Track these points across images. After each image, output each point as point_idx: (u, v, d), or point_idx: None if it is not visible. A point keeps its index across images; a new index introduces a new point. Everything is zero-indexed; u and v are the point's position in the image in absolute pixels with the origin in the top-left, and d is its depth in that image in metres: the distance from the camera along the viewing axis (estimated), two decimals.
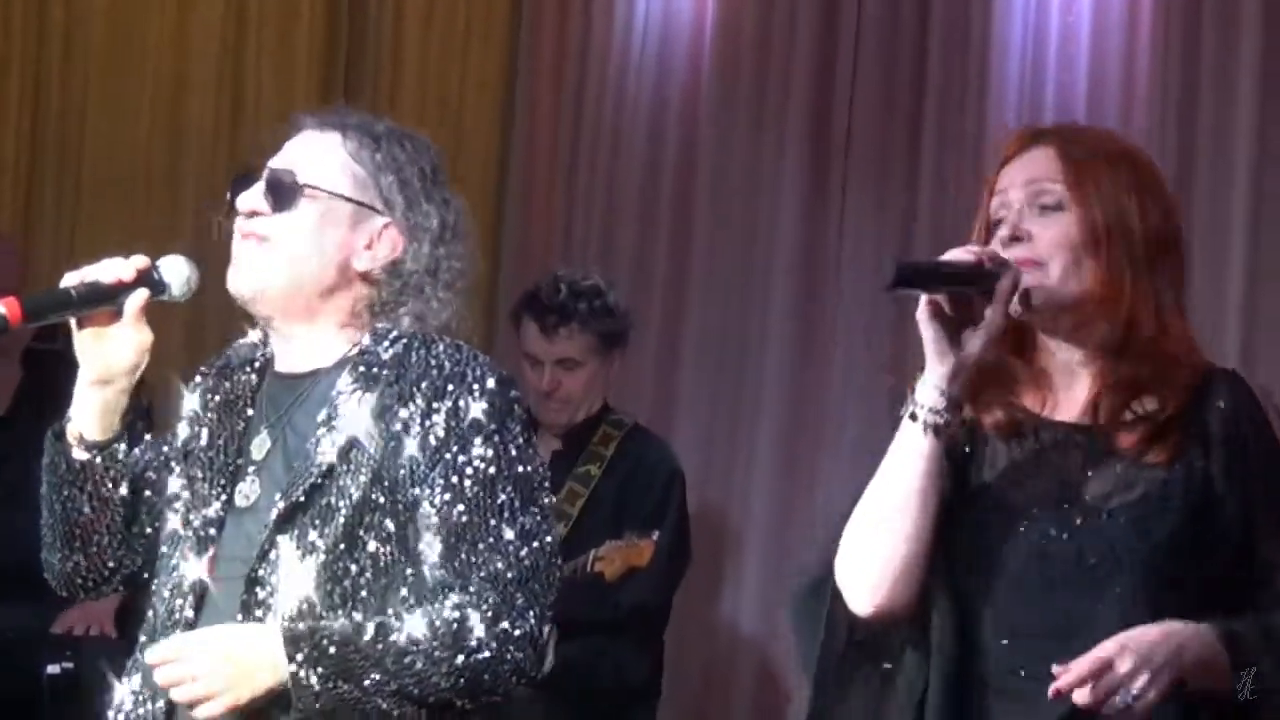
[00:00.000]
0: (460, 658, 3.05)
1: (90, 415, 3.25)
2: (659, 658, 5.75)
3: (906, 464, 2.97)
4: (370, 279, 3.25)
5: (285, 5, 7.41)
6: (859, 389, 7.03)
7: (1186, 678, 2.79)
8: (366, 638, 3.06)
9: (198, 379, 3.39)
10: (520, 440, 3.21)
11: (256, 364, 3.35)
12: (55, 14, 6.93)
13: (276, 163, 3.24)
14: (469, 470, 3.13)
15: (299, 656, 3.00)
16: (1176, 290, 3.04)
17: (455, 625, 3.06)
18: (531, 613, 3.12)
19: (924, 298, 2.91)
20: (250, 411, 3.31)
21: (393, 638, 3.07)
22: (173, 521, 3.29)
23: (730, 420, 7.29)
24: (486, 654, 3.08)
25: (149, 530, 3.36)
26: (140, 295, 3.16)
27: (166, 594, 3.27)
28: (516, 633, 3.08)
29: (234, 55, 7.24)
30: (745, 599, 7.25)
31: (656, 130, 7.63)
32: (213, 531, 3.23)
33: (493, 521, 3.13)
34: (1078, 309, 3.00)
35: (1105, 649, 2.75)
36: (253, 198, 3.20)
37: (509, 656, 3.09)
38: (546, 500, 3.24)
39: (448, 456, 3.14)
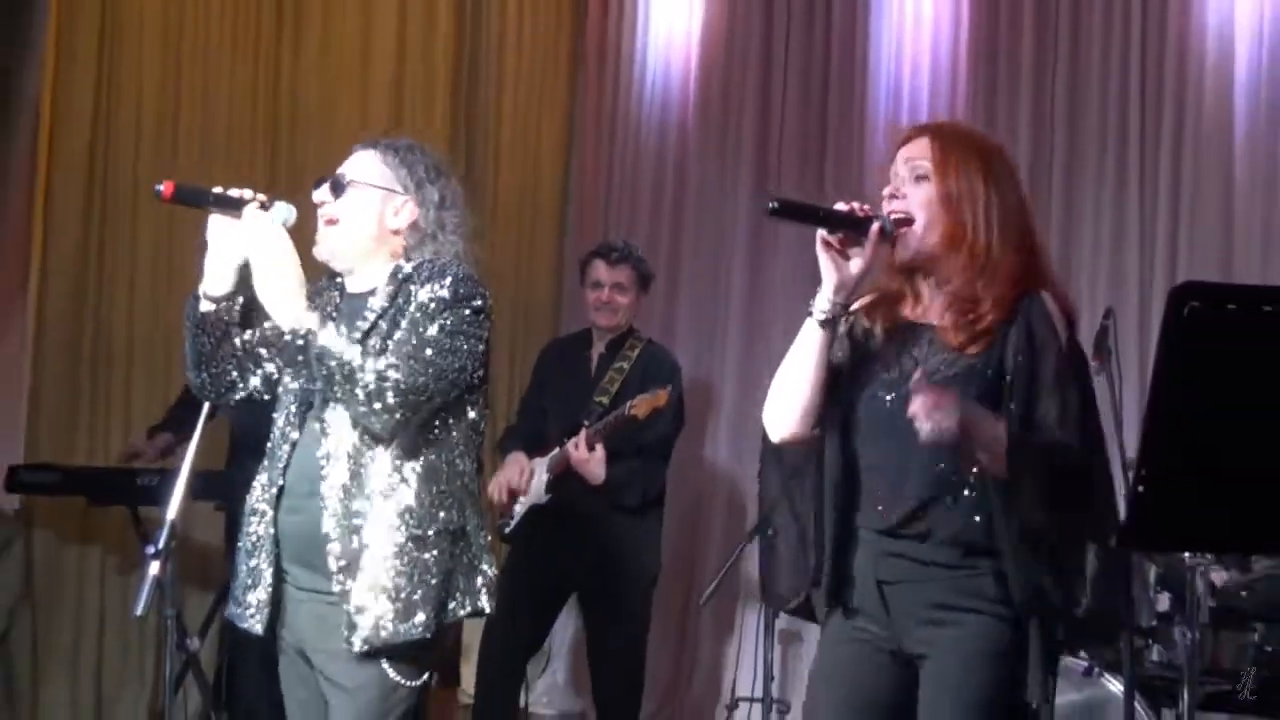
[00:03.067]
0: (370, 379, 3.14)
1: (210, 278, 3.33)
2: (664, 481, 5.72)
3: (803, 346, 3.00)
4: (400, 234, 3.40)
5: (426, 91, 7.37)
6: (789, 310, 6.74)
7: (972, 434, 2.80)
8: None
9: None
10: (465, 310, 3.29)
11: (336, 288, 3.46)
12: (284, 88, 6.85)
13: (349, 171, 3.40)
14: (424, 306, 3.25)
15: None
16: (1008, 238, 2.99)
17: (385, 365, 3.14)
18: (416, 380, 3.17)
19: (819, 235, 2.93)
20: (335, 316, 3.38)
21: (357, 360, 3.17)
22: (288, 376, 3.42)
23: (710, 327, 7.35)
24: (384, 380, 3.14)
25: (273, 371, 3.44)
26: (253, 209, 3.25)
27: (281, 421, 3.42)
28: (399, 377, 3.14)
29: (394, 122, 6.97)
30: (720, 444, 7.32)
31: (660, 156, 7.66)
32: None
33: (408, 333, 3.23)
34: (935, 252, 2.98)
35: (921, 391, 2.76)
36: (321, 193, 3.38)
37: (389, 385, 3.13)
38: (460, 344, 3.27)
39: (415, 313, 3.26)
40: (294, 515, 3.34)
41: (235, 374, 3.43)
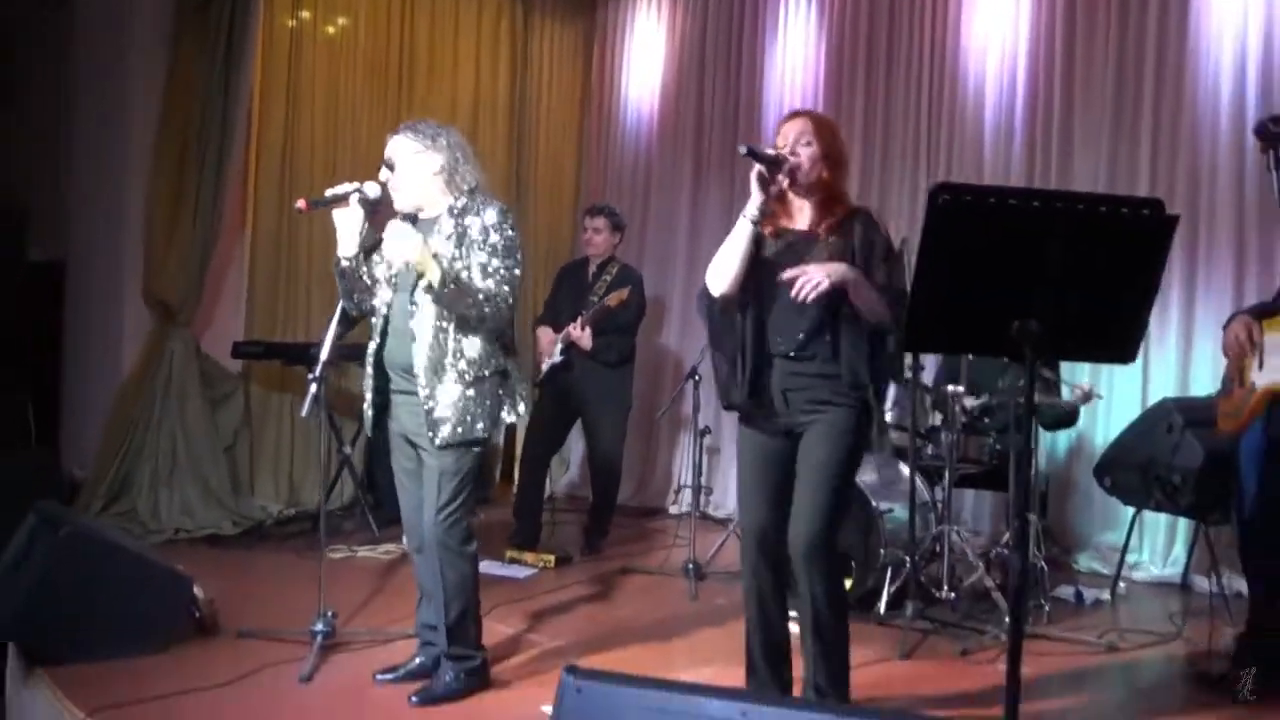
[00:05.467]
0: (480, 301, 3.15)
1: (342, 245, 3.28)
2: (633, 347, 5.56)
3: (738, 237, 3.01)
4: (439, 174, 3.25)
5: (493, 124, 7.22)
6: (714, 246, 6.74)
7: (845, 284, 2.90)
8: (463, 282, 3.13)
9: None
10: (504, 236, 3.22)
11: (413, 218, 3.29)
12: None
13: (390, 154, 3.27)
14: (485, 241, 3.19)
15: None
16: (846, 177, 3.13)
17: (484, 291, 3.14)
18: (504, 289, 3.18)
19: (755, 168, 2.96)
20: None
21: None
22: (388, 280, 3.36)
23: (665, 258, 7.13)
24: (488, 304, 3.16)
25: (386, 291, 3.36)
26: (355, 197, 3.23)
27: (389, 297, 3.33)
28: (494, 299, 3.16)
29: (473, 142, 6.82)
30: (672, 330, 7.16)
31: (635, 155, 7.43)
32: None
33: (486, 258, 3.19)
34: (811, 186, 3.04)
35: (808, 269, 2.88)
36: (384, 174, 3.28)
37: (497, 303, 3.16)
38: (510, 261, 3.22)
39: (477, 236, 3.20)
40: (397, 355, 3.30)
41: (367, 297, 3.37)
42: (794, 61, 6.79)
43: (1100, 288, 2.26)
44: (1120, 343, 2.33)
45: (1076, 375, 5.24)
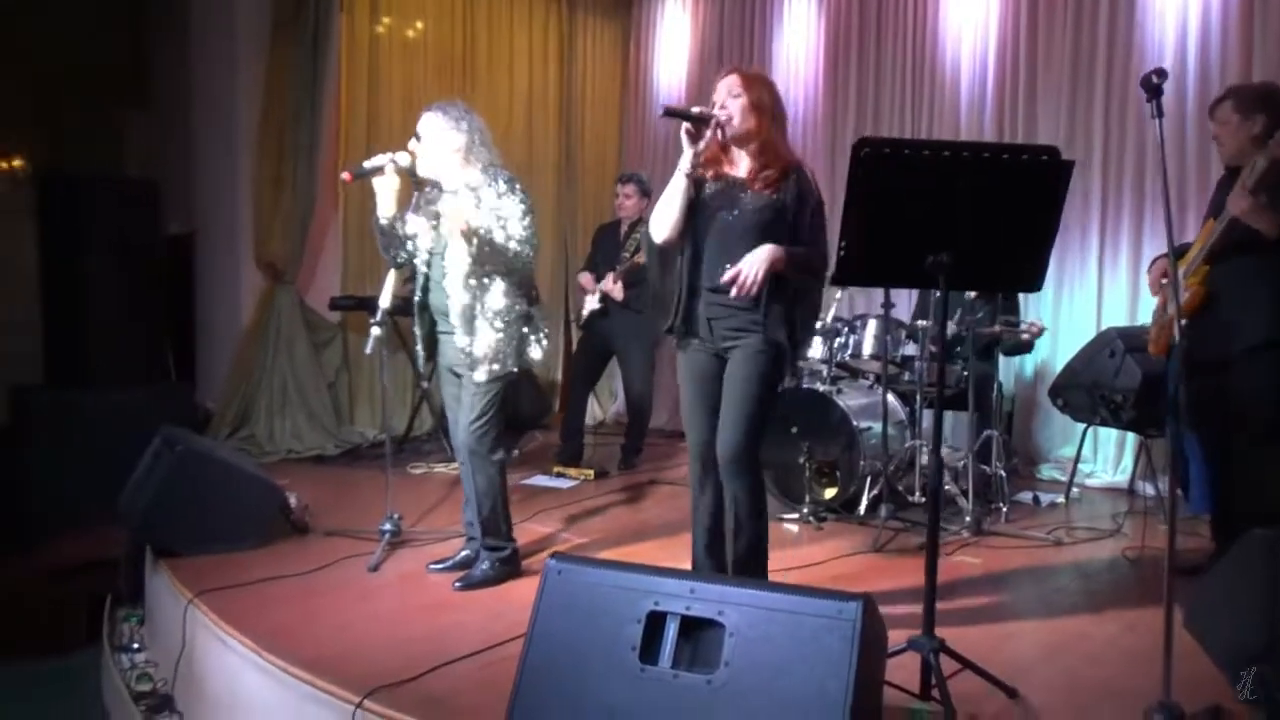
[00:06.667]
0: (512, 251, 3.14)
1: (381, 208, 3.24)
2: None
3: (674, 189, 2.81)
4: (459, 151, 3.19)
5: (543, 110, 7.13)
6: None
7: (778, 266, 2.72)
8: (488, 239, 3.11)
9: (420, 193, 3.36)
10: (516, 200, 3.17)
11: (437, 186, 3.27)
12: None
13: (420, 129, 3.21)
14: (504, 209, 3.15)
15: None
16: (780, 131, 2.84)
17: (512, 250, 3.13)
18: (525, 249, 3.16)
19: (684, 125, 2.74)
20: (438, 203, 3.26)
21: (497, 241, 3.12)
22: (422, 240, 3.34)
23: None
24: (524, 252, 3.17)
25: (415, 247, 3.35)
26: (390, 166, 3.17)
27: (425, 258, 3.34)
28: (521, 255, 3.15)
29: (527, 127, 6.92)
30: None
31: (666, 134, 7.23)
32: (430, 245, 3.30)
33: (506, 222, 3.15)
34: (745, 136, 2.81)
35: (741, 262, 2.70)
36: (413, 144, 3.21)
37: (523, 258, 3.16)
38: (527, 220, 3.18)
39: (495, 203, 3.15)
40: (436, 305, 3.32)
41: (401, 251, 3.35)
42: (796, 44, 6.61)
43: (1006, 225, 2.20)
44: (1026, 273, 2.27)
45: (1035, 312, 5.12)
